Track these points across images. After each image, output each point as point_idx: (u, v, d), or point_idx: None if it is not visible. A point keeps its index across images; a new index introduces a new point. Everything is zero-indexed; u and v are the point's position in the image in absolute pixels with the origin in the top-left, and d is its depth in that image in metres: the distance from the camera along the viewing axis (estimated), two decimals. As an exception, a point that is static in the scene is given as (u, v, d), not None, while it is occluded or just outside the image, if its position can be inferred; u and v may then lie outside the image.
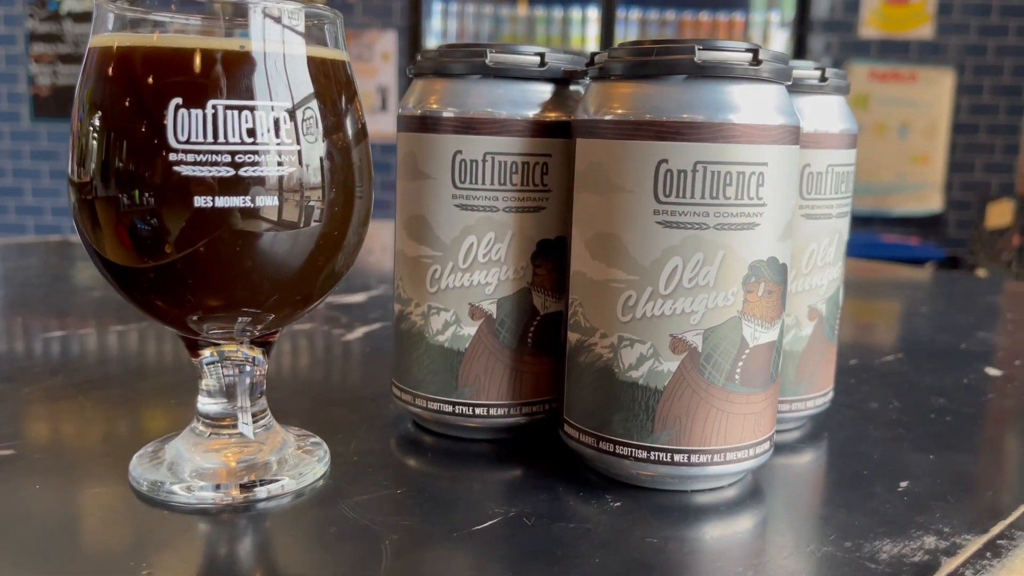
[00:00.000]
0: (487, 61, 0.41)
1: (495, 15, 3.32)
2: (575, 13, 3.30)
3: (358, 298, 0.79)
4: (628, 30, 3.26)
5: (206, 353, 0.38)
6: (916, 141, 3.34)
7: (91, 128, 0.34)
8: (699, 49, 0.36)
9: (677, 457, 0.37)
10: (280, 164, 0.34)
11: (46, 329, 0.65)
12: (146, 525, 0.35)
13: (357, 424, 0.46)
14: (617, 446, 0.38)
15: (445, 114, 0.41)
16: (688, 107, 0.35)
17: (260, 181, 0.33)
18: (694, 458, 0.37)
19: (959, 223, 3.37)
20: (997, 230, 2.84)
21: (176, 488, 0.37)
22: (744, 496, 0.39)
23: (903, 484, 0.40)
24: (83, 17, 3.37)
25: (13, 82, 3.39)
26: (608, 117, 0.37)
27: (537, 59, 0.41)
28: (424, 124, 0.42)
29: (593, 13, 3.25)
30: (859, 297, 0.90)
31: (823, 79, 0.44)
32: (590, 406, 0.39)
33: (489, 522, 0.35)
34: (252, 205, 0.33)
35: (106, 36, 0.34)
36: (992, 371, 0.61)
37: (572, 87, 0.43)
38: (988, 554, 0.34)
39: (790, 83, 0.38)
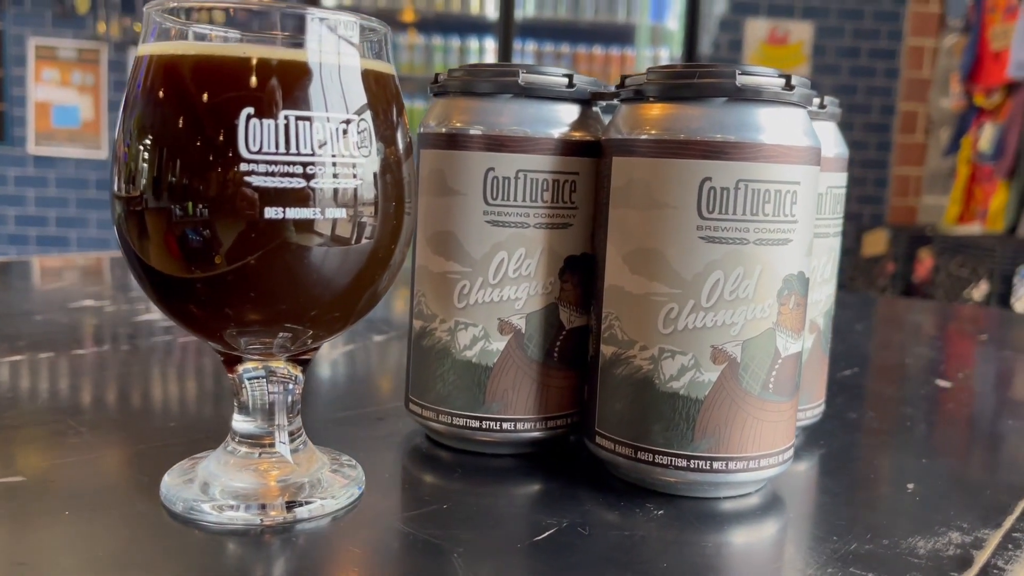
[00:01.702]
0: (520, 81, 0.42)
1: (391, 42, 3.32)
2: (472, 43, 3.34)
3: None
4: (524, 60, 3.32)
5: (248, 366, 0.37)
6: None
7: (145, 138, 0.33)
8: (739, 74, 0.37)
9: (716, 464, 0.39)
10: (347, 176, 0.33)
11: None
12: (206, 549, 0.34)
13: (372, 443, 0.46)
14: (657, 455, 0.39)
15: (476, 132, 0.42)
16: (731, 128, 0.37)
17: (329, 193, 0.33)
18: (731, 465, 0.39)
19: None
20: (873, 258, 3.02)
21: (209, 508, 0.35)
22: (769, 502, 0.41)
23: (910, 486, 0.43)
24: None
25: None
26: (649, 136, 0.38)
27: (565, 80, 0.42)
28: (453, 141, 0.42)
29: (490, 44, 3.31)
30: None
31: (821, 106, 0.47)
32: (627, 417, 0.40)
33: (546, 533, 0.36)
34: (321, 217, 0.33)
35: (163, 45, 0.33)
36: (942, 383, 0.65)
37: (595, 108, 0.44)
38: (1010, 546, 0.36)
39: (811, 108, 0.41)
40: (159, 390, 0.55)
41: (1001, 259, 2.43)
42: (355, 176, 0.34)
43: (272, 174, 0.32)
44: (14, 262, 1.13)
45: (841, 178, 0.48)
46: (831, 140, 0.47)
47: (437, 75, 0.44)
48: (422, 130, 0.44)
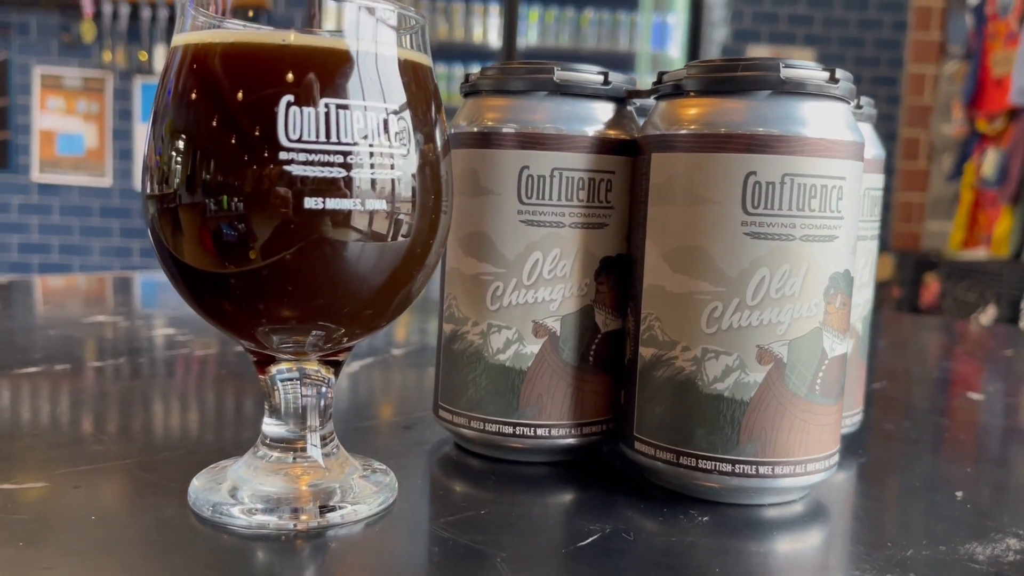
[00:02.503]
0: (555, 78, 0.41)
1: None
2: (477, 7, 3.33)
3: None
4: (529, 28, 3.32)
5: (282, 368, 0.36)
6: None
7: (180, 129, 0.32)
8: (783, 67, 0.37)
9: (762, 469, 0.37)
10: (387, 167, 0.33)
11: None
12: (236, 554, 0.32)
13: (401, 451, 0.44)
14: (700, 460, 0.38)
15: (509, 130, 0.41)
16: (776, 121, 0.36)
17: (369, 184, 0.32)
18: (778, 469, 0.38)
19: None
20: (878, 283, 3.02)
21: (239, 512, 0.34)
22: (814, 509, 0.39)
23: (959, 494, 0.41)
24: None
25: None
26: (690, 131, 0.37)
27: (601, 77, 0.42)
28: (486, 140, 0.41)
29: (495, 7, 3.31)
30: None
31: (858, 107, 0.46)
32: (669, 421, 0.39)
33: (590, 538, 0.34)
34: (361, 208, 0.32)
35: (198, 34, 0.33)
36: (973, 395, 0.64)
37: (629, 107, 0.43)
38: (1071, 551, 0.35)
39: (854, 103, 0.40)
40: (181, 401, 0.54)
41: (1009, 284, 2.42)
42: (394, 167, 0.33)
43: (312, 163, 0.31)
44: (17, 281, 1.12)
45: (878, 179, 0.47)
46: (868, 141, 0.46)
47: (467, 75, 0.44)
48: (452, 130, 0.43)
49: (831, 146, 0.37)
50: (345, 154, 0.31)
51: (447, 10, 3.33)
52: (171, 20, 3.32)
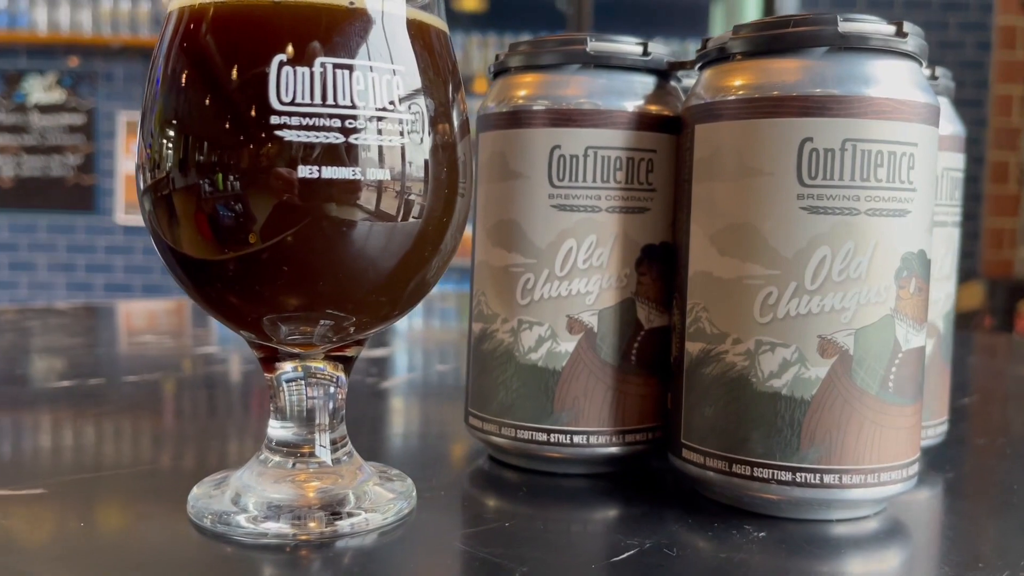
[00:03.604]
0: (588, 49, 0.37)
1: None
2: None
3: (379, 352, 0.74)
4: None
5: (286, 367, 0.33)
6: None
7: (172, 99, 0.30)
8: (841, 20, 0.33)
9: (828, 478, 0.33)
10: (391, 134, 0.29)
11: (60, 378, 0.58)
12: (237, 566, 0.29)
13: (431, 461, 0.41)
14: (755, 468, 0.33)
15: (539, 107, 0.37)
16: (834, 80, 0.32)
17: (370, 151, 0.29)
18: (846, 479, 0.33)
19: (927, 308, 3.41)
20: (968, 312, 2.87)
21: (243, 520, 0.31)
22: (892, 526, 0.34)
23: (1063, 511, 0.36)
24: (50, 109, 3.34)
25: (-26, 173, 3.32)
26: (738, 96, 0.33)
27: (640, 48, 0.38)
28: (515, 119, 0.38)
29: None
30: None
31: (933, 77, 0.41)
32: (720, 424, 0.34)
33: (626, 553, 0.30)
34: (362, 178, 0.29)
35: (190, -5, 0.30)
36: (1077, 412, 0.57)
37: (672, 82, 0.39)
38: None
39: (926, 62, 0.35)
40: (185, 413, 0.51)
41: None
42: (400, 135, 0.30)
43: (307, 128, 0.28)
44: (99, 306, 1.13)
45: (958, 159, 0.42)
46: (944, 117, 0.41)
47: (497, 55, 0.41)
48: (481, 112, 0.40)
49: (899, 107, 0.32)
50: (344, 118, 0.28)
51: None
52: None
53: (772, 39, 0.33)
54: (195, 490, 0.33)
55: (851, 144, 0.32)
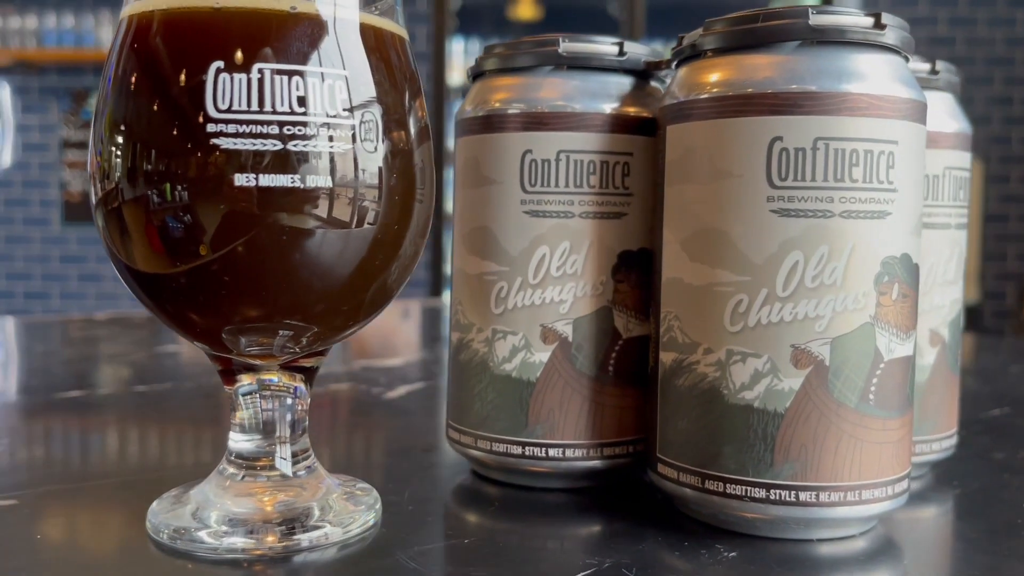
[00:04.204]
0: (560, 51, 0.36)
1: None
2: None
3: (392, 362, 0.74)
4: None
5: (244, 381, 0.33)
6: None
7: (115, 110, 0.29)
8: (814, 13, 0.31)
9: (804, 495, 0.31)
10: (338, 141, 0.29)
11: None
12: (164, 578, 0.29)
13: (410, 473, 0.40)
14: (728, 485, 0.32)
15: (512, 111, 0.36)
16: (806, 76, 0.30)
17: (310, 158, 0.28)
18: (824, 496, 0.31)
19: (995, 313, 3.29)
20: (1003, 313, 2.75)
21: (203, 535, 0.30)
22: (880, 546, 0.32)
23: (1071, 532, 0.33)
24: (115, 123, 3.44)
25: (45, 188, 3.42)
26: (708, 95, 0.32)
27: (615, 48, 0.37)
28: (488, 124, 0.37)
29: None
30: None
31: (933, 71, 0.39)
32: (693, 438, 0.33)
33: (582, 573, 0.29)
34: (301, 185, 0.28)
35: (138, 4, 0.30)
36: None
37: (652, 83, 0.38)
38: None
39: (911, 57, 0.33)
40: (148, 428, 0.51)
41: None
42: (346, 141, 0.29)
43: (243, 135, 0.27)
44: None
45: (962, 158, 0.40)
46: (948, 113, 0.39)
47: (477, 59, 0.40)
48: (458, 117, 0.39)
49: (876, 104, 0.30)
50: (282, 124, 0.28)
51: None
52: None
53: (742, 34, 0.32)
54: (155, 505, 0.33)
55: (823, 143, 0.30)
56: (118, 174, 0.29)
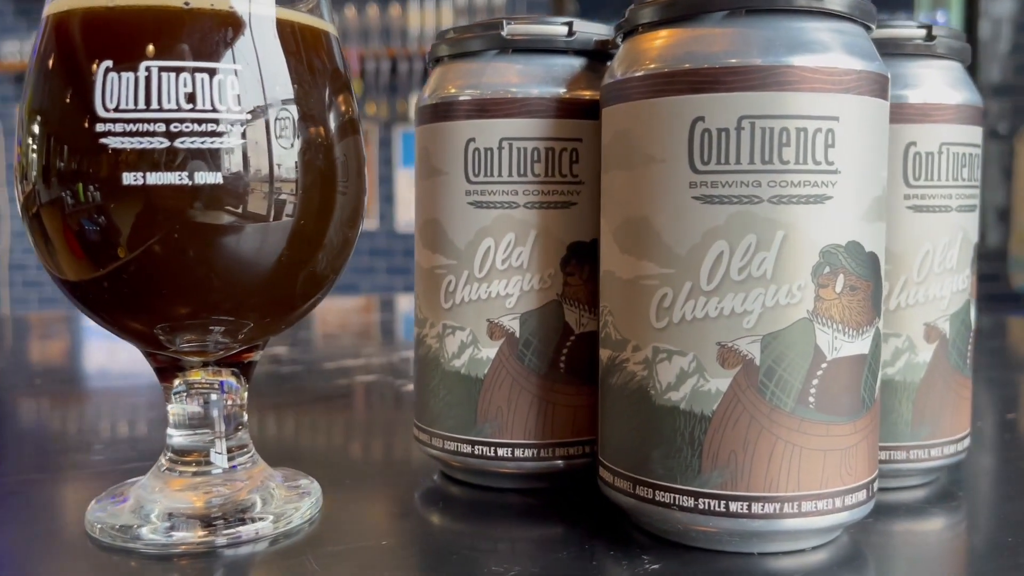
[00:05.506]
0: (503, 33, 0.35)
1: None
2: None
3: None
4: None
5: (176, 382, 0.33)
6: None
7: (26, 113, 0.30)
8: (742, -22, 0.28)
9: (733, 506, 0.28)
10: (224, 136, 0.28)
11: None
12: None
13: (376, 472, 0.39)
14: (657, 492, 0.30)
15: (461, 98, 0.35)
16: (730, 50, 0.28)
17: (199, 155, 0.28)
18: (756, 507, 0.28)
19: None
20: None
21: (143, 532, 0.31)
22: (842, 559, 0.29)
23: (1063, 555, 0.29)
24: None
25: None
26: (633, 74, 0.30)
27: (564, 29, 0.35)
28: (437, 113, 0.36)
29: None
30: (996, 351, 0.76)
31: (930, 37, 0.35)
32: (625, 441, 0.31)
33: (479, 582, 0.27)
34: (190, 183, 0.28)
35: (52, 4, 0.30)
36: None
37: (608, 63, 0.36)
38: None
39: (873, 24, 0.30)
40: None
41: None
42: (238, 136, 0.29)
43: (130, 134, 0.28)
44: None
45: (967, 132, 0.36)
46: (947, 83, 0.35)
47: (432, 44, 0.39)
48: (417, 106, 0.38)
49: (810, 77, 0.28)
50: (169, 122, 0.28)
51: None
52: (425, 72, 3.51)
53: (667, 6, 0.29)
54: (93, 503, 0.34)
55: (748, 122, 0.28)
56: (32, 174, 0.30)
